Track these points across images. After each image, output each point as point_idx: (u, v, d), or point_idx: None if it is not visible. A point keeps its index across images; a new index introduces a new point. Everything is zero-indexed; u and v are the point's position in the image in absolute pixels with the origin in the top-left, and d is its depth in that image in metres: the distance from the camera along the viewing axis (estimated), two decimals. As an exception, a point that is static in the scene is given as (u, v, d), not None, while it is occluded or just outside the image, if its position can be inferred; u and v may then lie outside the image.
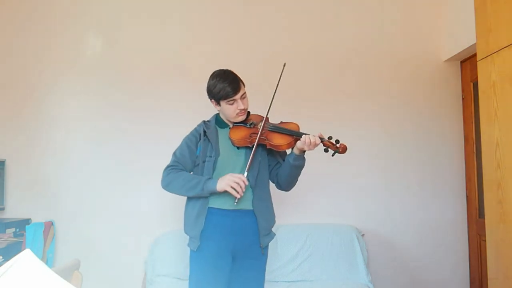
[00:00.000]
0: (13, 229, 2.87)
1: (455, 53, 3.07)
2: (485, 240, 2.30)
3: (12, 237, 2.81)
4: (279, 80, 2.05)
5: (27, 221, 2.99)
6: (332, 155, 2.04)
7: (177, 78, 3.19)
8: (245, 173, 1.94)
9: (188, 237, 2.08)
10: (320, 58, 3.26)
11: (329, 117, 3.19)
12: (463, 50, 2.98)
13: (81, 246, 3.07)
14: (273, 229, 2.17)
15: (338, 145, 2.02)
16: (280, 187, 2.18)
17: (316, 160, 3.14)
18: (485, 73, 2.19)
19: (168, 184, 2.05)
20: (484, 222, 2.30)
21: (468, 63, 3.17)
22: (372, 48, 3.27)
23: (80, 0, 3.26)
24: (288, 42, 3.26)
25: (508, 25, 2.02)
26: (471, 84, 3.14)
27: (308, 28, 3.28)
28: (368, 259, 3.05)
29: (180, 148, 2.12)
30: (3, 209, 3.07)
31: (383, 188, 3.20)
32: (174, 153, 2.11)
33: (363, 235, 3.10)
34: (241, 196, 1.92)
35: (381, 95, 3.24)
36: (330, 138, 2.03)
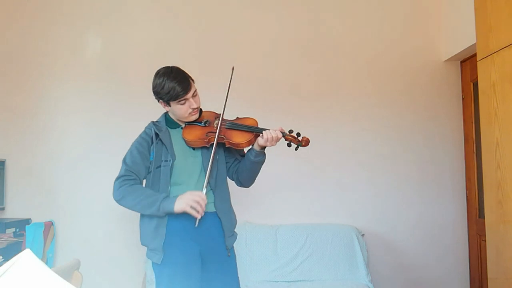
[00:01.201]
0: (13, 229, 2.87)
1: (455, 53, 3.07)
2: (485, 240, 2.30)
3: (12, 237, 2.81)
4: (229, 84, 1.96)
5: (27, 221, 2.99)
6: (296, 149, 1.97)
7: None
8: (204, 190, 1.83)
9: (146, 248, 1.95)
10: (319, 58, 3.26)
11: (328, 117, 3.19)
12: (463, 50, 2.98)
13: (81, 246, 3.07)
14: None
15: (300, 138, 1.94)
16: (240, 184, 2.08)
17: (317, 161, 3.16)
18: (485, 73, 2.19)
19: (120, 198, 1.89)
20: (484, 222, 2.30)
21: (468, 63, 3.17)
22: (372, 48, 3.27)
23: (80, 1, 3.26)
24: (288, 42, 3.26)
25: (508, 25, 2.02)
26: (471, 84, 3.15)
27: (308, 28, 3.27)
28: (368, 259, 3.05)
29: (130, 154, 1.94)
30: (3, 209, 3.07)
31: (383, 188, 3.20)
32: (124, 161, 1.94)
33: (363, 235, 3.10)
34: (201, 216, 1.80)
35: (381, 95, 3.24)
36: (291, 131, 1.96)
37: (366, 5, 3.30)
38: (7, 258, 2.51)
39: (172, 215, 1.86)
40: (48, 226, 3.01)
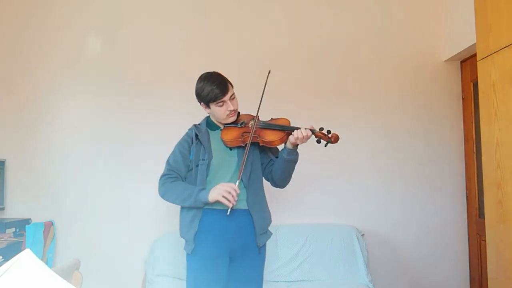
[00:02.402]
0: (13, 229, 2.87)
1: (455, 53, 3.07)
2: (485, 240, 2.30)
3: (12, 237, 2.81)
4: (264, 87, 2.08)
5: (27, 221, 2.99)
6: (325, 146, 2.05)
7: (178, 78, 3.18)
8: (237, 182, 1.94)
9: (184, 240, 2.08)
10: (319, 58, 3.26)
11: (328, 117, 3.19)
12: (463, 50, 2.98)
13: (81, 246, 3.07)
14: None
15: (329, 135, 2.02)
16: (275, 184, 2.19)
17: (316, 161, 3.16)
18: (485, 73, 2.19)
19: (164, 194, 2.07)
20: (484, 222, 2.30)
21: (468, 63, 3.17)
22: (372, 48, 3.27)
23: (80, 0, 3.26)
24: (288, 42, 3.26)
25: (508, 25, 2.02)
26: (471, 84, 3.14)
27: (308, 28, 3.27)
28: (368, 259, 3.05)
29: (173, 155, 2.11)
30: (3, 209, 3.07)
31: (383, 188, 3.20)
32: (168, 161, 2.11)
33: (363, 235, 3.10)
34: (234, 205, 1.92)
35: (381, 95, 3.24)
36: (321, 129, 2.03)
37: (366, 5, 3.30)
38: (7, 258, 2.51)
39: (206, 210, 2.00)
40: (48, 226, 3.01)
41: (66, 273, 1.56)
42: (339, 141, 2.02)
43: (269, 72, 2.10)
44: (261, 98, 2.07)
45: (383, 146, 3.22)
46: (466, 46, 2.90)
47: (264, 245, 2.12)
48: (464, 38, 2.91)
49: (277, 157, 2.14)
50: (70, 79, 3.22)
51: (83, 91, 3.22)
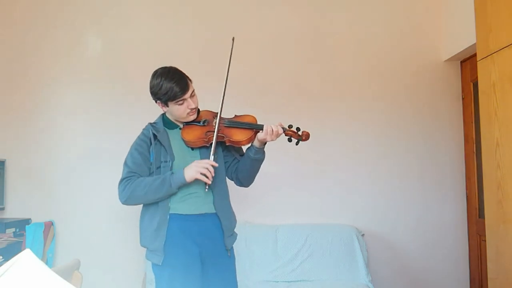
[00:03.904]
0: (13, 229, 2.87)
1: (455, 53, 3.07)
2: (485, 240, 2.30)
3: (12, 237, 2.81)
4: (230, 59, 1.96)
5: (27, 221, 2.99)
6: (296, 144, 1.98)
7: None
8: (211, 157, 1.85)
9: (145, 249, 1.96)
10: (319, 58, 3.26)
11: (329, 118, 3.19)
12: (463, 50, 2.98)
13: (81, 246, 3.07)
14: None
15: (300, 132, 1.95)
16: (239, 183, 2.08)
17: (316, 161, 3.16)
18: (485, 73, 2.19)
19: (128, 197, 1.90)
20: (484, 222, 2.30)
21: (468, 63, 3.17)
22: (372, 48, 3.27)
23: (80, 1, 3.26)
24: (288, 43, 3.26)
25: (508, 25, 2.02)
26: (471, 84, 3.14)
27: (308, 29, 3.27)
28: (368, 259, 3.05)
29: (130, 156, 1.95)
30: (3, 209, 3.07)
31: (383, 188, 3.20)
32: (125, 164, 1.96)
33: (363, 235, 3.10)
34: (212, 182, 1.83)
35: (381, 95, 3.24)
36: (290, 126, 1.96)
37: (366, 5, 3.30)
38: (7, 258, 2.50)
39: (173, 215, 1.89)
40: (48, 226, 3.01)
41: (66, 273, 1.56)
42: (310, 138, 1.95)
43: (233, 38, 1.97)
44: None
45: (383, 146, 3.22)
46: (466, 46, 2.90)
47: (232, 248, 2.02)
48: (464, 38, 2.91)
49: (241, 155, 2.05)
50: (69, 79, 3.22)
51: (83, 91, 3.22)
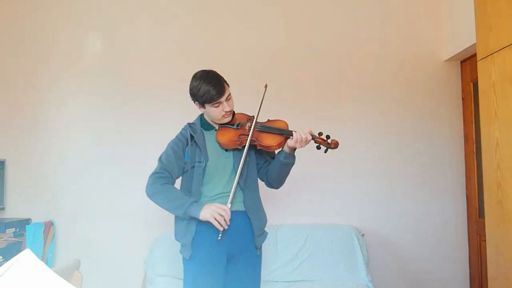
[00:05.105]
0: (13, 229, 2.87)
1: (455, 53, 3.07)
2: (485, 240, 2.30)
3: (12, 237, 2.81)
4: (262, 101, 2.04)
5: (27, 221, 2.99)
6: (325, 152, 2.03)
7: (178, 78, 3.17)
8: (229, 205, 1.90)
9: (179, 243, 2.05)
10: (319, 59, 3.26)
11: (329, 118, 3.19)
12: (463, 50, 2.98)
13: (81, 246, 3.07)
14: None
15: (329, 140, 2.00)
16: (270, 185, 2.16)
17: (317, 161, 3.15)
18: (485, 73, 2.19)
19: (152, 194, 1.99)
20: (484, 222, 2.30)
21: (468, 63, 3.17)
22: (372, 49, 3.27)
23: (80, 1, 3.27)
24: (285, 43, 3.26)
25: (508, 25, 2.02)
26: (471, 84, 3.14)
27: (307, 29, 3.27)
28: (368, 259, 3.05)
29: (166, 153, 2.04)
30: (3, 209, 3.07)
31: (383, 188, 3.20)
32: (160, 159, 2.04)
33: (363, 235, 3.10)
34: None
35: (381, 95, 3.24)
36: (320, 134, 2.01)
37: (366, 5, 3.29)
38: (7, 258, 2.51)
39: None
40: (48, 226, 3.01)
41: (66, 273, 1.57)
42: (338, 147, 1.99)
43: (266, 86, 2.06)
44: (260, 105, 2.03)
45: (383, 146, 3.22)
46: (466, 46, 2.90)
47: (261, 247, 2.11)
48: (464, 38, 2.91)
49: (273, 158, 2.11)
50: (69, 79, 3.22)
51: (83, 91, 3.22)
